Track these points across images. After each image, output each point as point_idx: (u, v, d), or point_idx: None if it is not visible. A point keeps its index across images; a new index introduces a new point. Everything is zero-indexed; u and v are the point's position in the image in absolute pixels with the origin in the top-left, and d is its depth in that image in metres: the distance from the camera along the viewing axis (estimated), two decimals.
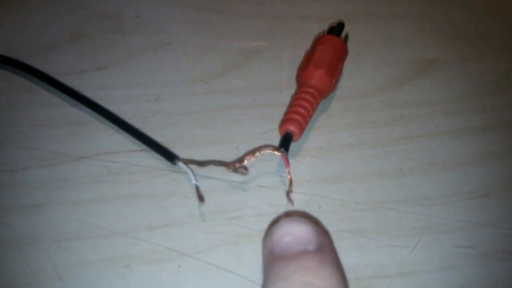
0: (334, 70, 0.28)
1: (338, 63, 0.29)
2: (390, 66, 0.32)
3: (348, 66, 0.31)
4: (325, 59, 0.28)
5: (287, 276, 0.17)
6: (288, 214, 0.23)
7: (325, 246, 0.19)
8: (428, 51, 0.33)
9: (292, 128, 0.25)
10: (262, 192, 0.25)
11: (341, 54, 0.29)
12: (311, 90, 0.27)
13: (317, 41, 0.29)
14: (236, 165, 0.24)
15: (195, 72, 0.31)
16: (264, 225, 0.23)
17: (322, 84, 0.27)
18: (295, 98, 0.27)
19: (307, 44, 0.32)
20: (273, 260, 0.19)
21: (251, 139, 0.27)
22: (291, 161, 0.26)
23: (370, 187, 0.25)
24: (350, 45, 0.31)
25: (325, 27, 0.33)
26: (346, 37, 0.31)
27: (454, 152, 0.27)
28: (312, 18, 0.35)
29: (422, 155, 0.27)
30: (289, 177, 0.24)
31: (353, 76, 0.31)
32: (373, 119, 0.29)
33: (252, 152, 0.25)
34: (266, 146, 0.25)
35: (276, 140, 0.27)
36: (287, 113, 0.26)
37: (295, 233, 0.19)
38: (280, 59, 0.32)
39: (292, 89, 0.29)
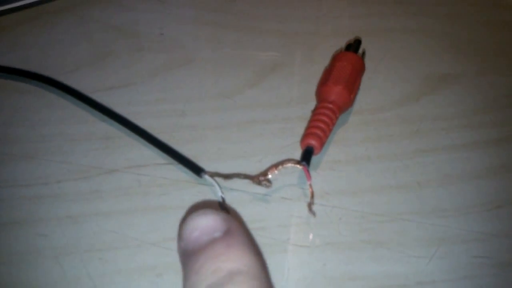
0: (353, 86, 0.29)
1: (356, 79, 0.30)
2: (406, 81, 0.33)
3: (365, 81, 0.32)
4: (343, 75, 0.29)
5: (198, 268, 0.17)
6: (194, 210, 0.22)
7: (232, 229, 0.19)
8: (442, 66, 0.34)
9: (313, 142, 0.27)
10: (284, 204, 0.26)
11: (359, 70, 0.30)
12: (330, 106, 0.28)
13: (336, 58, 0.31)
14: (260, 178, 0.25)
15: (218, 88, 0.32)
16: (287, 235, 0.24)
17: (341, 99, 0.29)
18: (315, 113, 0.28)
19: (324, 60, 0.33)
20: (186, 257, 0.19)
21: (273, 153, 0.28)
22: (312, 173, 0.27)
23: (388, 199, 0.26)
24: (367, 60, 0.32)
25: (341, 43, 0.34)
26: (363, 53, 0.32)
27: (469, 165, 0.28)
28: (328, 34, 0.36)
29: (439, 168, 0.28)
30: (310, 190, 0.25)
31: (370, 90, 0.32)
32: (390, 133, 0.30)
33: (275, 165, 0.26)
34: (288, 160, 0.26)
35: (297, 153, 0.28)
36: (308, 127, 0.28)
37: (202, 226, 0.19)
38: (299, 74, 0.33)
39: (311, 103, 0.30)
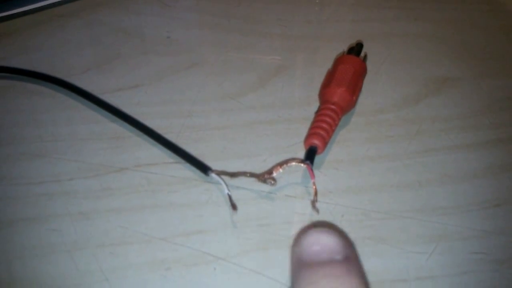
0: (355, 88, 0.30)
1: (358, 81, 0.31)
2: (406, 84, 0.34)
3: (367, 83, 0.33)
4: (346, 77, 0.30)
5: (315, 281, 0.19)
6: (316, 225, 0.25)
7: (352, 258, 0.20)
8: (442, 69, 0.35)
9: (316, 142, 0.27)
10: (289, 202, 0.27)
11: (361, 72, 0.31)
12: (333, 107, 0.29)
13: (338, 61, 0.32)
14: (265, 176, 0.26)
15: (223, 90, 0.33)
16: (291, 232, 0.25)
17: (344, 101, 0.29)
18: (318, 114, 0.29)
19: (327, 63, 0.34)
20: (301, 266, 0.20)
21: (278, 153, 0.29)
22: (315, 172, 0.28)
23: (389, 197, 0.27)
24: (368, 64, 0.33)
25: (344, 46, 0.35)
26: (365, 56, 0.33)
27: (468, 165, 0.29)
28: (331, 37, 0.37)
29: (438, 168, 0.29)
30: (314, 188, 0.26)
31: (372, 93, 0.33)
32: (391, 133, 0.30)
33: (279, 164, 0.27)
34: (292, 159, 0.27)
35: (300, 153, 0.29)
36: (311, 128, 0.28)
37: (323, 243, 0.20)
38: (302, 77, 0.34)
39: (315, 105, 0.31)
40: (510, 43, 0.38)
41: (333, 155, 0.29)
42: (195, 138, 0.30)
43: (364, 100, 0.32)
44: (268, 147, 0.29)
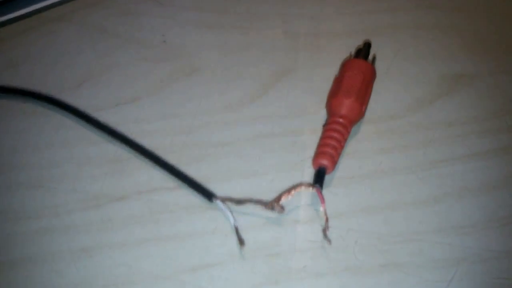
0: (364, 97, 0.28)
1: (368, 88, 0.29)
2: (418, 83, 0.32)
3: (376, 85, 0.31)
4: (354, 86, 0.28)
5: None
6: None
7: None
8: (456, 65, 0.33)
9: (325, 162, 0.26)
10: (298, 227, 0.25)
11: (370, 78, 0.29)
12: (341, 121, 0.27)
13: (345, 67, 0.30)
14: (273, 204, 0.25)
15: (225, 100, 0.31)
16: (303, 262, 0.24)
17: (353, 113, 0.28)
18: (326, 129, 0.27)
19: (333, 63, 0.32)
20: None
21: (285, 169, 0.28)
22: (325, 192, 0.26)
23: (404, 217, 0.26)
24: (378, 61, 0.31)
25: (350, 43, 0.33)
26: (374, 58, 0.31)
27: (487, 175, 0.27)
28: (337, 33, 0.35)
29: (455, 180, 0.27)
30: (325, 217, 0.25)
31: (382, 96, 0.31)
32: (404, 143, 0.29)
33: (288, 191, 0.25)
34: (300, 184, 0.26)
35: (309, 170, 0.27)
36: (319, 146, 0.27)
37: None
38: (308, 80, 0.32)
39: (322, 113, 0.29)
40: None
41: (343, 170, 0.28)
42: (197, 157, 0.28)
43: (374, 104, 0.31)
44: (275, 164, 0.28)
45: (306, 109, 0.31)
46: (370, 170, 0.28)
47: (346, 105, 0.28)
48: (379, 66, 0.31)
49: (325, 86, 0.31)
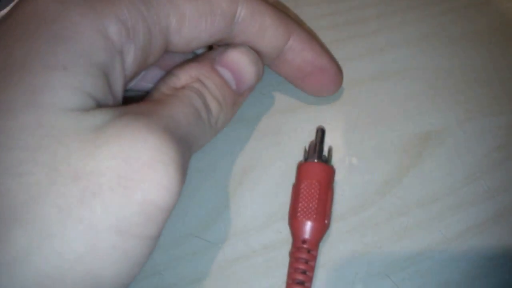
0: (325, 206, 0.27)
1: (328, 195, 0.27)
2: (384, 155, 0.29)
3: (339, 166, 0.29)
4: (312, 200, 0.27)
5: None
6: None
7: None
8: (423, 121, 0.30)
9: None
10: None
11: (329, 181, 0.27)
12: (306, 246, 0.26)
13: (300, 173, 0.28)
14: None
15: (188, 225, 0.29)
16: None
17: (316, 233, 0.26)
18: (292, 260, 0.26)
19: (298, 153, 0.29)
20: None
21: None
22: None
23: None
24: (338, 130, 0.29)
25: (312, 128, 0.30)
26: (330, 151, 0.29)
27: (465, 265, 0.26)
28: (297, 112, 0.31)
29: (434, 276, 0.26)
30: None
31: (347, 182, 0.29)
32: (378, 238, 0.27)
33: None
34: None
35: None
36: (287, 282, 0.26)
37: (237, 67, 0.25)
38: (271, 175, 0.30)
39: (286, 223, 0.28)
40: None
41: None
42: None
43: (340, 197, 0.29)
44: None
45: (273, 216, 0.29)
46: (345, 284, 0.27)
47: (307, 229, 0.26)
48: (340, 136, 0.30)
49: (290, 177, 0.29)
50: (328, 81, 0.28)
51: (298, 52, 0.26)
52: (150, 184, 0.18)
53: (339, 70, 0.28)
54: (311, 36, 0.27)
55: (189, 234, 0.28)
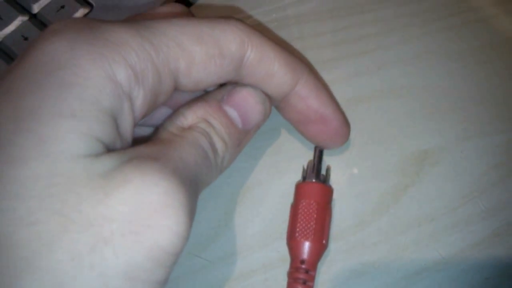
0: (323, 226, 0.27)
1: (326, 214, 0.27)
2: (381, 174, 0.30)
3: (337, 186, 0.29)
4: (310, 220, 0.27)
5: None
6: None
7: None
8: (419, 140, 0.30)
9: None
10: None
11: (327, 201, 0.28)
12: (304, 267, 0.26)
13: (298, 193, 0.28)
14: None
15: (187, 245, 0.29)
16: None
17: (314, 253, 0.27)
18: (290, 280, 0.26)
19: (296, 172, 0.30)
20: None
21: None
22: None
23: None
24: (334, 156, 0.29)
25: (310, 147, 0.30)
26: (328, 170, 0.29)
27: (462, 285, 0.26)
28: (295, 131, 0.31)
29: None
30: None
31: (345, 201, 0.29)
32: (376, 258, 0.28)
33: None
34: None
35: None
36: None
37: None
38: (270, 195, 0.30)
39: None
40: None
41: None
42: None
43: (338, 215, 0.29)
44: None
45: (270, 236, 0.29)
46: None
47: (305, 249, 0.26)
48: (338, 156, 0.30)
49: (286, 202, 0.29)
50: (331, 132, 0.27)
51: (303, 99, 0.26)
52: (160, 230, 0.18)
53: (344, 122, 0.28)
54: (320, 83, 0.26)
55: (188, 253, 0.28)
